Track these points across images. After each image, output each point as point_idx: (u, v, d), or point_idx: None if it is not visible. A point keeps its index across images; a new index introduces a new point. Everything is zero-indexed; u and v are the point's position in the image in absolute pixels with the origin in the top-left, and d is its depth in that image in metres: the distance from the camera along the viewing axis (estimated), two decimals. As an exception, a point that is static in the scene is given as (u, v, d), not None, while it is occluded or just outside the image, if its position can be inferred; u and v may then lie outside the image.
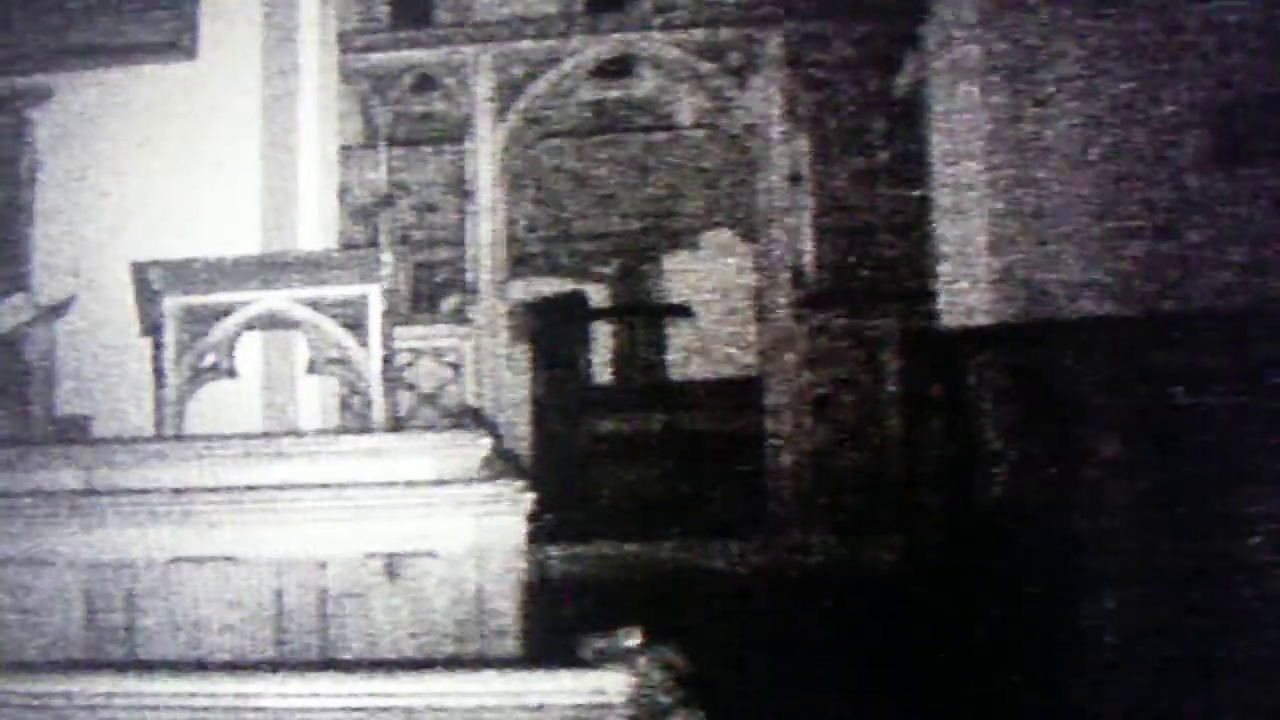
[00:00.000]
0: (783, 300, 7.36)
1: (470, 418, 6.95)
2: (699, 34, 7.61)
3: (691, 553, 7.07)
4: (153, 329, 5.18)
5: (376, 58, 7.85)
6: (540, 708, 2.41)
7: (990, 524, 5.47)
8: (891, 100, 7.33)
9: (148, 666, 3.21)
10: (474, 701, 2.42)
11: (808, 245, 7.44)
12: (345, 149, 7.32)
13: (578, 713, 2.40)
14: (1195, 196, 5.79)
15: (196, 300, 5.14)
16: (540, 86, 7.77)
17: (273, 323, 5.28)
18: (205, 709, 2.45)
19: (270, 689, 2.47)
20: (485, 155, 7.75)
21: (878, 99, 7.35)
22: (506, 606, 3.40)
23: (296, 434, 5.47)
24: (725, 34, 7.58)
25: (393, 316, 5.24)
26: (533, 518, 3.49)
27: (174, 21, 6.10)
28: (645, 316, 10.29)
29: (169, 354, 5.10)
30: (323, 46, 6.32)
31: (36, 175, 6.15)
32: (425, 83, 8.06)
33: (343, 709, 2.44)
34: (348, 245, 7.23)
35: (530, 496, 3.48)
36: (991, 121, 6.60)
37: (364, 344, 5.11)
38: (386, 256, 5.31)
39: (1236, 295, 5.52)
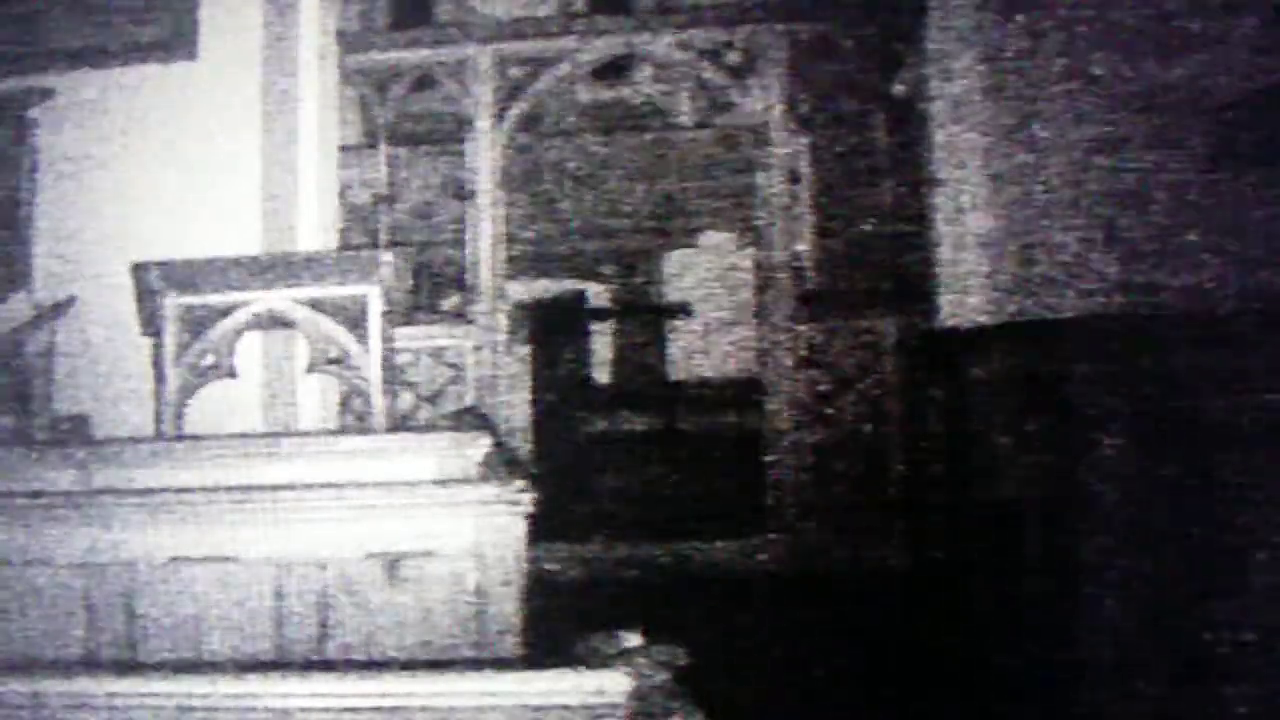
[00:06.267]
0: (783, 300, 7.35)
1: (470, 418, 6.94)
2: (699, 34, 7.61)
3: (691, 553, 7.07)
4: (153, 329, 5.18)
5: (376, 58, 7.85)
6: (540, 708, 2.41)
7: (990, 524, 5.47)
8: (891, 100, 7.33)
9: (148, 666, 3.21)
10: (474, 701, 2.42)
11: (808, 245, 7.44)
12: (345, 149, 7.32)
13: (578, 713, 2.40)
14: (1194, 196, 5.79)
15: (196, 300, 5.14)
16: (540, 86, 7.77)
17: (273, 323, 5.28)
18: (205, 709, 2.44)
19: (270, 689, 2.47)
20: (485, 155, 7.74)
21: (878, 99, 7.35)
22: (506, 606, 3.40)
23: (296, 434, 5.47)
24: (725, 34, 7.58)
25: (393, 316, 5.24)
26: (533, 518, 3.49)
27: (174, 21, 6.10)
28: (645, 316, 10.29)
29: (169, 354, 5.10)
30: (323, 46, 6.32)
31: (37, 175, 6.15)
32: (425, 83, 8.06)
33: (343, 709, 2.44)
34: (348, 245, 7.23)
35: (530, 496, 3.48)
36: (991, 121, 6.60)
37: (364, 344, 5.11)
38: (386, 256, 5.31)
39: (1236, 295, 5.52)
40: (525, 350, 8.48)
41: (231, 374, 5.22)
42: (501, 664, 3.17)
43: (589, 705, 2.40)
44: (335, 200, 6.57)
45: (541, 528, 3.57)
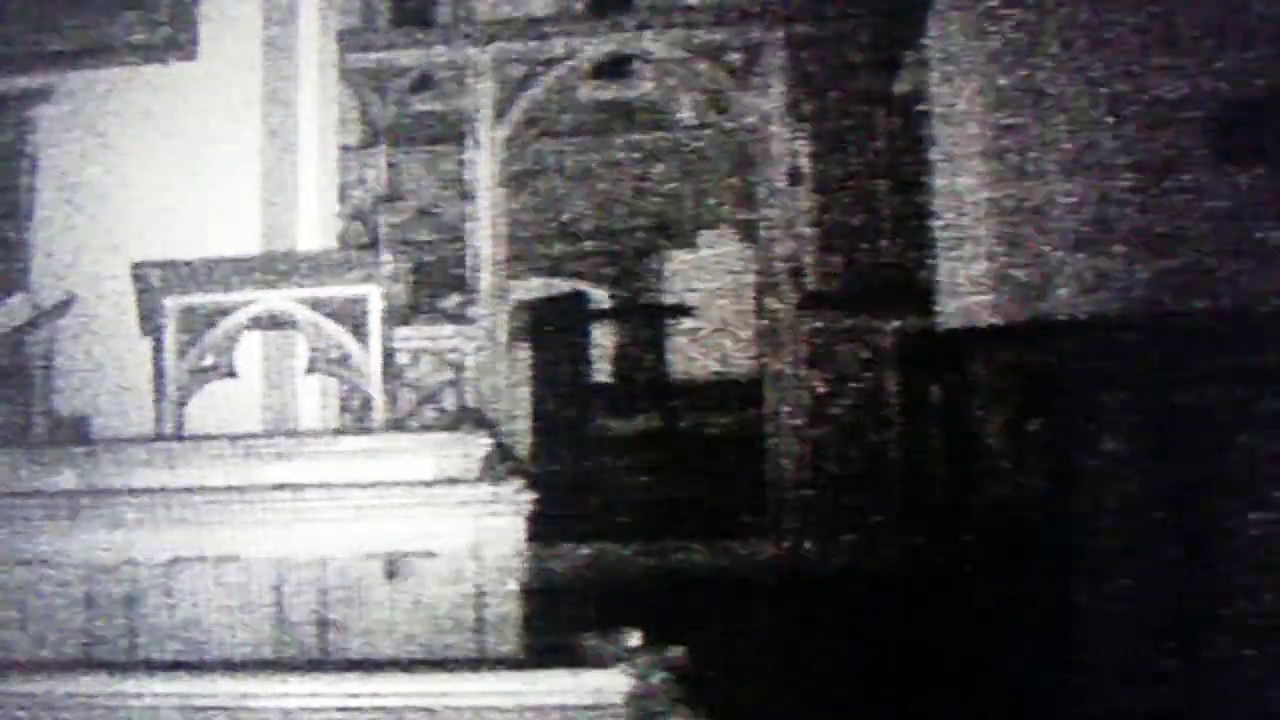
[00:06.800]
0: (783, 300, 7.35)
1: (470, 418, 6.94)
2: (699, 34, 7.61)
3: (691, 553, 7.07)
4: (153, 329, 5.18)
5: (376, 58, 7.85)
6: (540, 708, 2.41)
7: (990, 524, 5.47)
8: (891, 100, 7.33)
9: (148, 666, 3.21)
10: (474, 701, 2.42)
11: (808, 245, 7.43)
12: (345, 149, 7.32)
13: (578, 713, 2.40)
14: (1195, 196, 5.79)
15: (196, 300, 5.14)
16: (540, 86, 7.77)
17: (273, 323, 5.28)
18: (205, 709, 2.45)
19: (270, 689, 2.47)
20: (485, 155, 7.74)
21: (878, 99, 7.35)
22: (506, 606, 3.40)
23: (296, 434, 5.48)
24: (725, 34, 7.58)
25: (393, 316, 5.24)
26: (533, 518, 3.49)
27: (174, 21, 6.10)
28: (645, 316, 10.28)
29: (169, 354, 5.10)
30: (323, 46, 6.32)
31: (36, 175, 6.15)
32: (425, 83, 8.06)
33: (343, 709, 2.44)
34: (348, 245, 7.23)
35: (530, 496, 3.48)
36: (991, 121, 6.60)
37: (364, 344, 5.11)
38: (386, 256, 5.31)
39: (1236, 295, 5.52)
40: (525, 350, 8.48)
41: (231, 374, 5.22)
42: (501, 664, 3.17)
43: (589, 705, 2.40)
44: (335, 200, 6.57)
45: (541, 528, 3.57)
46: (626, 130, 9.43)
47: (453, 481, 3.84)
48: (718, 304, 10.03)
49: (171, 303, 5.12)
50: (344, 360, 5.14)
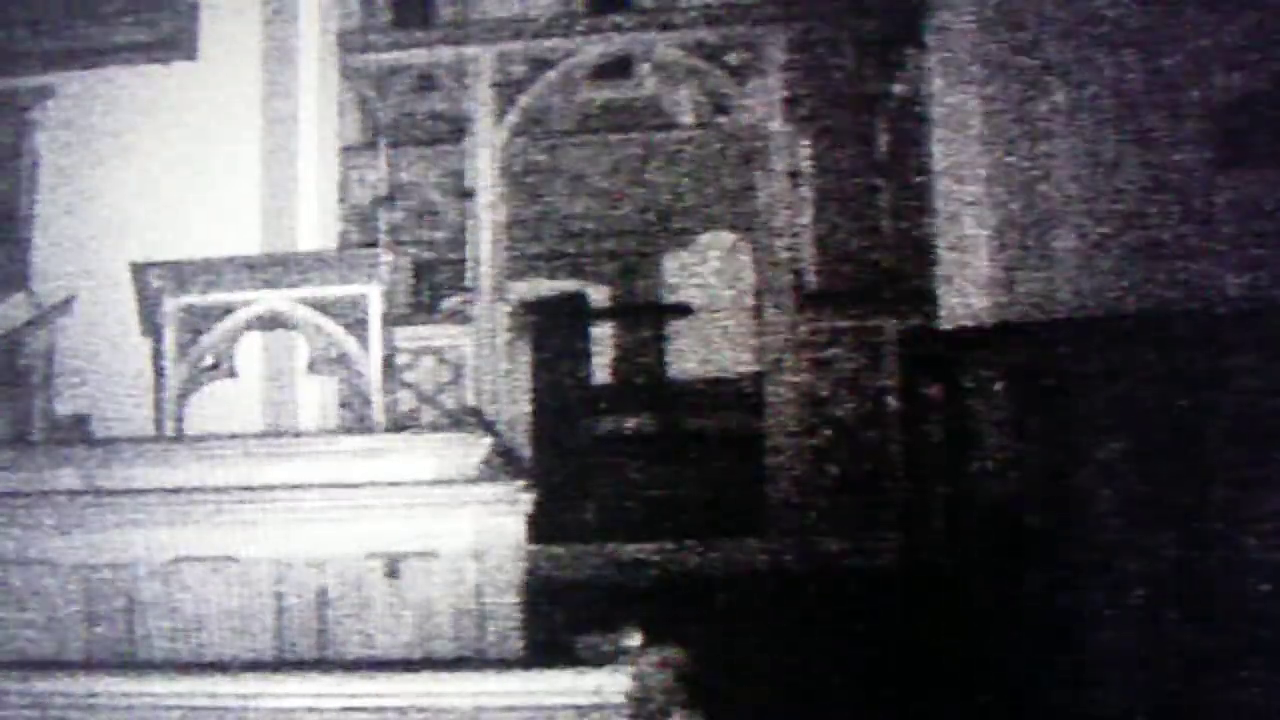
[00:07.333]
0: (783, 300, 7.36)
1: (470, 418, 6.94)
2: (699, 34, 7.62)
3: (691, 553, 7.07)
4: (153, 329, 5.18)
5: (376, 58, 7.85)
6: (540, 708, 2.41)
7: (990, 524, 5.47)
8: (891, 100, 7.33)
9: (148, 666, 3.21)
10: (474, 701, 2.43)
11: (808, 245, 7.43)
12: (345, 149, 7.32)
13: (578, 713, 2.40)
14: (1195, 196, 5.79)
15: (196, 300, 5.14)
16: (540, 86, 7.77)
17: (273, 323, 5.28)
18: (205, 709, 2.45)
19: (270, 689, 2.47)
20: (485, 155, 7.75)
21: (878, 99, 7.35)
22: (506, 606, 3.40)
23: (296, 434, 5.48)
24: (725, 34, 7.58)
25: (393, 316, 5.24)
26: (533, 518, 3.49)
27: (174, 21, 6.10)
28: (645, 316, 10.28)
29: (169, 354, 5.10)
30: (323, 46, 6.32)
31: (36, 175, 6.15)
32: (425, 83, 8.06)
33: (343, 709, 2.44)
34: (348, 245, 7.23)
35: (530, 496, 3.48)
36: (991, 121, 6.60)
37: (364, 344, 5.11)
38: (386, 256, 5.31)
39: (1236, 296, 5.52)
40: (525, 350, 8.48)
41: (231, 374, 5.22)
42: (501, 664, 3.18)
43: (589, 705, 2.40)
44: (335, 200, 6.57)
45: (541, 528, 3.57)
46: (626, 130, 9.44)
47: (453, 481, 3.84)
48: (718, 304, 10.04)
49: (171, 303, 5.12)
50: (344, 360, 5.14)
